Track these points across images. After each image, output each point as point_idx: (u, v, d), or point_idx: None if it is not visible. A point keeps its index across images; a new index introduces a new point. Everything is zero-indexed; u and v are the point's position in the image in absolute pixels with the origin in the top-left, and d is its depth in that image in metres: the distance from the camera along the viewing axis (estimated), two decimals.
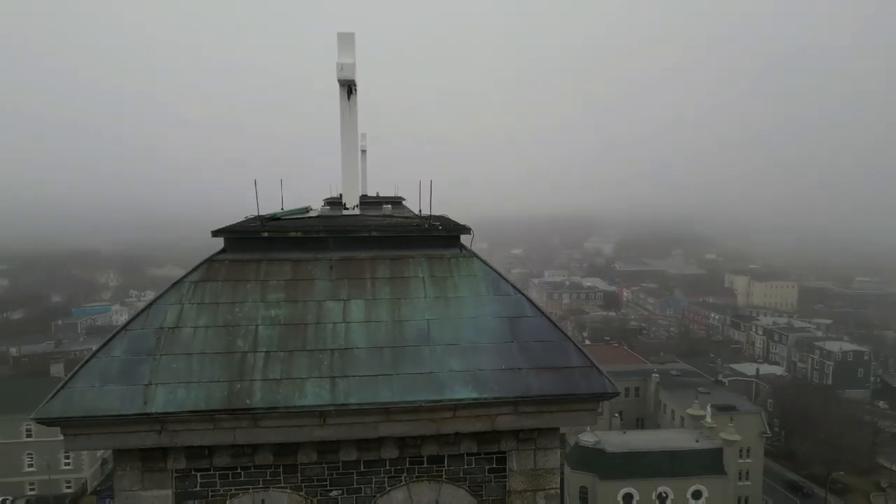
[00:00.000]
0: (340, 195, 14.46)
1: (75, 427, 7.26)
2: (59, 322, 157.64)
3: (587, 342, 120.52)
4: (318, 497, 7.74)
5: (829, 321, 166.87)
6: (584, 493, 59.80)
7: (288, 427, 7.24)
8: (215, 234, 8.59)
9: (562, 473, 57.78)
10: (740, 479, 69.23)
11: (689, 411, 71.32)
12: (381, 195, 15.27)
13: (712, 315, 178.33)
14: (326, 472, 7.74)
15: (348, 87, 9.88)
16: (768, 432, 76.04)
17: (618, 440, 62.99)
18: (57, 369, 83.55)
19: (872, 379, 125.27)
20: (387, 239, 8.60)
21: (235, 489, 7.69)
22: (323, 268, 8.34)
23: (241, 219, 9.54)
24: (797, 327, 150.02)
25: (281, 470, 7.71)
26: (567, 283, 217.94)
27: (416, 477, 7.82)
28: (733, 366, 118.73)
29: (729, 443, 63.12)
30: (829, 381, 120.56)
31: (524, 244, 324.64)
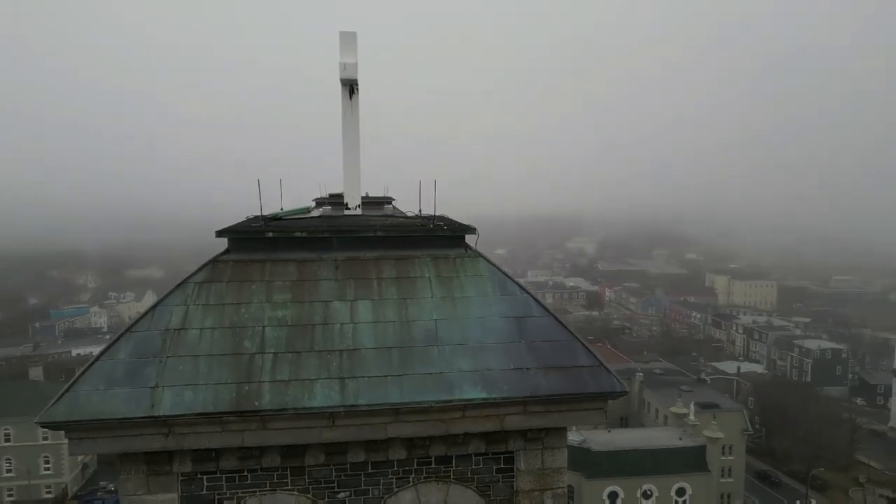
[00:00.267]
0: (330, 195, 14.37)
1: (81, 431, 7.15)
2: (37, 325, 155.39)
3: None
4: (326, 499, 7.71)
5: (807, 320, 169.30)
6: (570, 492, 60.11)
7: (297, 429, 7.20)
8: (219, 234, 8.50)
9: None
10: (723, 475, 69.99)
11: (673, 409, 72.00)
12: (369, 195, 15.16)
13: (694, 314, 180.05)
14: (334, 474, 7.71)
15: (350, 87, 9.84)
16: (750, 430, 76.99)
17: (602, 439, 63.42)
18: (36, 373, 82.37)
19: (850, 376, 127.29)
20: (392, 239, 8.58)
21: (242, 492, 7.63)
22: (328, 268, 8.30)
23: (242, 219, 9.45)
24: (776, 326, 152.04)
25: (288, 472, 7.66)
26: (550, 283, 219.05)
27: (424, 477, 7.81)
28: (715, 364, 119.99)
29: (712, 440, 63.80)
30: (808, 379, 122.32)
31: (511, 244, 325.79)
